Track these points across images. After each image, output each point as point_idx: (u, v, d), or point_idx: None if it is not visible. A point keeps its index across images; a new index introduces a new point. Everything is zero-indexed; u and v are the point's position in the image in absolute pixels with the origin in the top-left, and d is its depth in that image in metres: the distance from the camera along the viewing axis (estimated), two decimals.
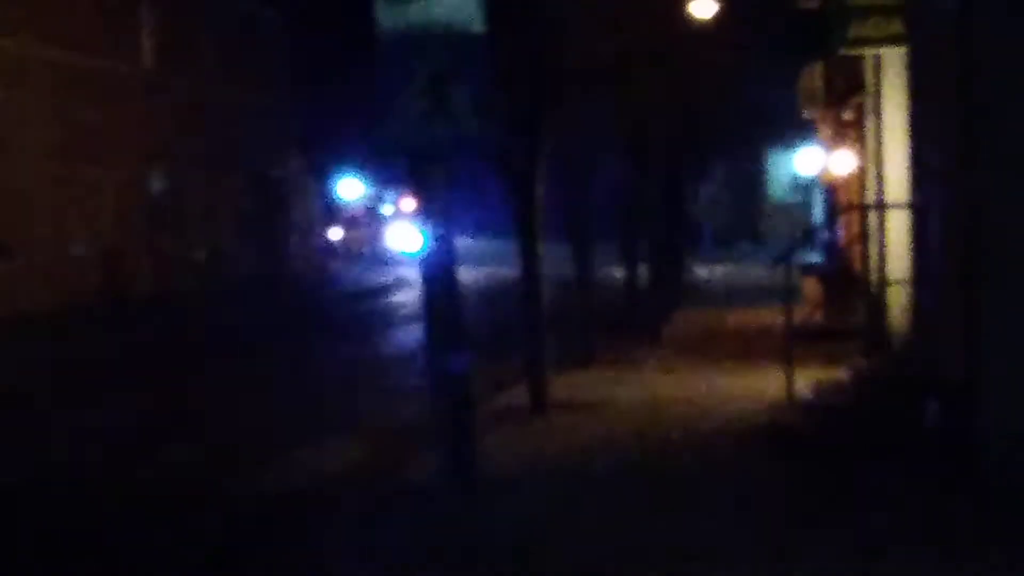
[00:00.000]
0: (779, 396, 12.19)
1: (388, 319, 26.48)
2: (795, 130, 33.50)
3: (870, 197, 17.08)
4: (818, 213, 38.60)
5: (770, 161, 52.61)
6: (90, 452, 12.24)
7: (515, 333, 13.36)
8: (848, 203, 21.86)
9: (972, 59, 8.54)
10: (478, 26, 8.79)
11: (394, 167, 44.09)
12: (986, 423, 8.52)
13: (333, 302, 31.97)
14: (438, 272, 8.90)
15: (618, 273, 20.37)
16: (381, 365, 18.67)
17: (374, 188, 58.14)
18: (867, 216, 16.85)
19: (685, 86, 17.51)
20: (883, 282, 15.18)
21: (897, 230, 14.43)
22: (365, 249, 52.41)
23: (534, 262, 12.57)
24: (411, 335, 21.56)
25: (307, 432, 12.57)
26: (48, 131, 29.13)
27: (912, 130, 12.03)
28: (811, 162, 32.97)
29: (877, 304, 15.42)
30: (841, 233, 23.05)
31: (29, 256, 27.92)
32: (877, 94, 15.80)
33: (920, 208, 11.56)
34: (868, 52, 15.37)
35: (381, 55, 8.84)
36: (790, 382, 12.16)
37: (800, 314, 14.66)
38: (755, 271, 30.41)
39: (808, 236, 27.51)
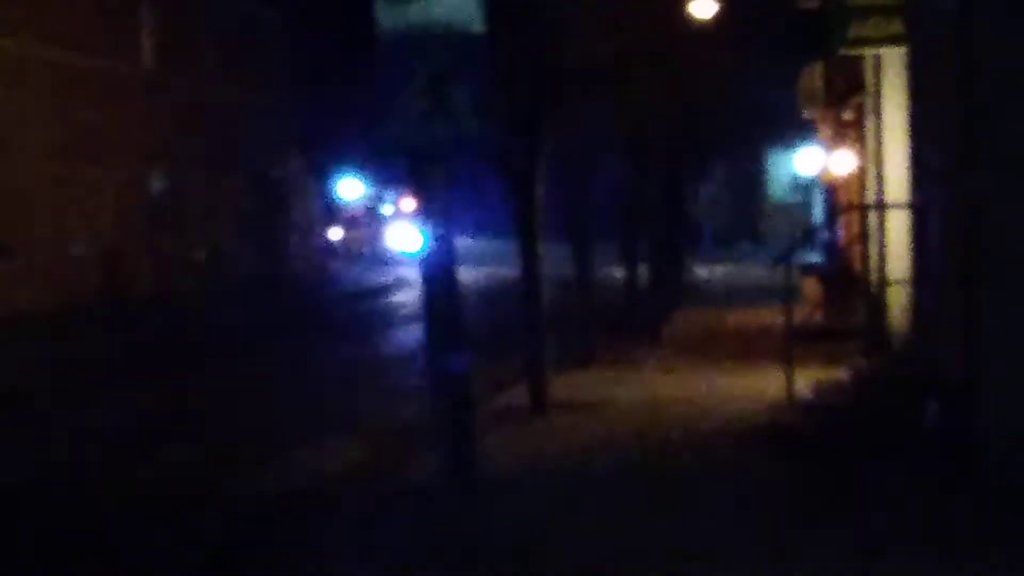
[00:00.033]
0: (779, 396, 12.18)
1: (388, 319, 26.48)
2: (795, 130, 33.49)
3: (870, 197, 17.08)
4: (818, 213, 38.60)
5: (770, 161, 52.61)
6: (89, 452, 12.23)
7: (515, 333, 13.36)
8: (848, 203, 21.86)
9: (972, 59, 8.54)
10: (478, 26, 8.80)
11: (394, 167, 44.10)
12: (986, 423, 8.51)
13: (333, 302, 31.97)
14: (438, 272, 8.90)
15: (618, 273, 20.36)
16: (381, 365, 18.66)
17: (374, 188, 58.13)
18: (867, 216, 16.85)
19: (685, 86, 17.51)
20: (883, 282, 15.17)
21: (897, 230, 14.42)
22: (365, 249, 52.41)
23: (534, 262, 12.57)
24: (411, 335, 21.56)
25: (307, 432, 12.56)
26: (48, 131, 29.14)
27: (912, 130, 12.02)
28: (811, 162, 32.97)
29: (877, 304, 15.42)
30: (841, 233, 23.05)
31: (29, 256, 27.91)
32: (877, 94, 15.80)
33: (920, 208, 11.56)
34: (868, 52, 15.37)
35: (381, 55, 8.84)
36: (790, 382, 12.16)
37: (800, 314, 14.65)
38: (755, 271, 30.40)
39: (808, 236, 27.51)
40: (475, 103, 8.70)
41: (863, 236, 17.30)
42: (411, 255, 35.27)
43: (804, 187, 44.70)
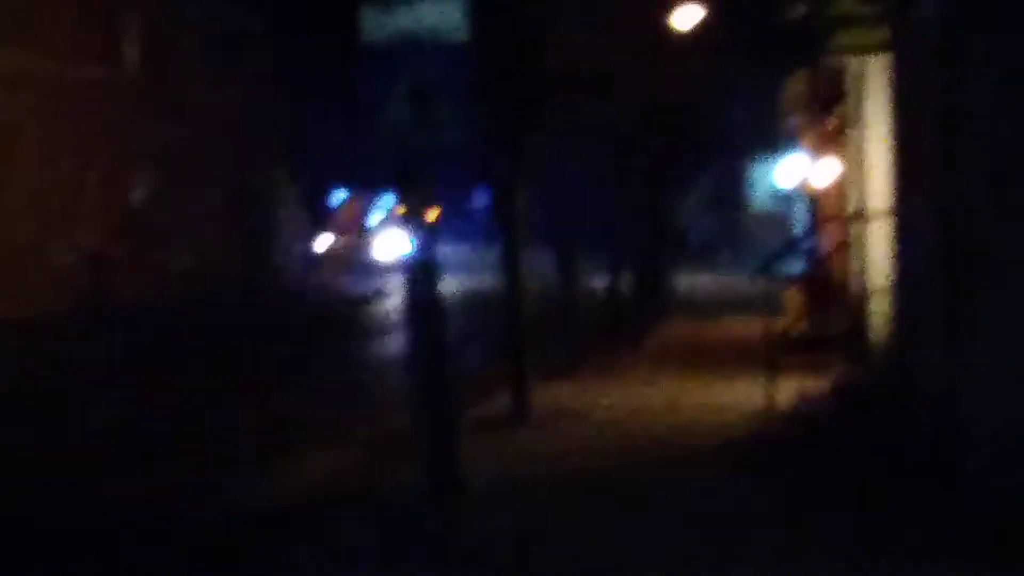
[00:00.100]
0: (761, 406, 12.18)
1: (372, 328, 26.43)
2: (778, 139, 33.55)
3: (852, 206, 17.11)
4: (801, 222, 38.62)
5: (753, 170, 52.70)
6: (63, 466, 12.01)
7: (498, 342, 13.34)
8: (830, 212, 21.88)
9: (954, 69, 8.57)
10: (462, 36, 8.81)
11: (381, 176, 44.04)
12: (968, 431, 8.53)
13: (317, 311, 31.90)
14: (421, 281, 8.89)
15: (602, 283, 20.37)
16: (364, 374, 18.62)
17: (362, 197, 58.02)
18: (850, 225, 16.87)
19: (668, 96, 17.55)
20: (865, 291, 15.20)
21: (879, 239, 14.45)
22: (354, 258, 52.30)
23: (516, 271, 12.57)
24: (392, 345, 21.50)
25: (286, 443, 12.50)
26: (30, 139, 29.03)
27: (894, 139, 12.06)
28: (793, 171, 33.00)
29: (859, 313, 15.44)
30: (823, 242, 23.08)
31: (9, 263, 27.79)
32: (860, 103, 15.83)
33: (902, 217, 11.58)
34: (851, 61, 15.41)
35: (366, 64, 8.86)
36: (772, 392, 12.16)
37: (782, 323, 14.67)
38: (737, 280, 30.44)
39: (791, 246, 27.54)
40: (458, 112, 8.73)
41: (845, 245, 17.32)
42: (397, 264, 35.23)
43: (787, 196, 44.76)
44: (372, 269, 47.25)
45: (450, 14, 8.91)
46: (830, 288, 18.67)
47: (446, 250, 9.91)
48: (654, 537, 7.99)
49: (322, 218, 53.21)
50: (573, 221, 16.46)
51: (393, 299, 31.09)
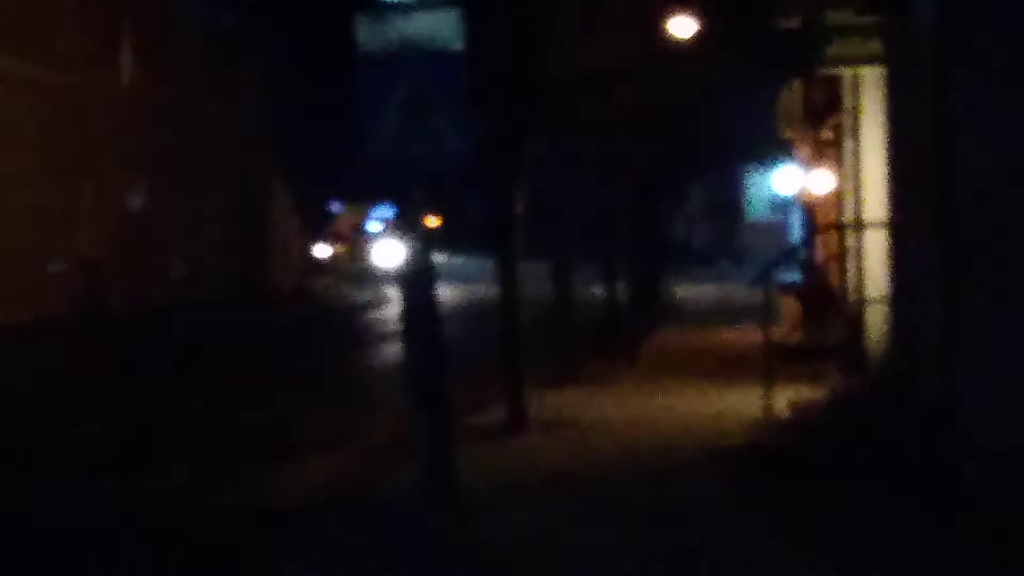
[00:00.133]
0: (757, 415, 12.16)
1: (368, 336, 26.41)
2: (774, 149, 33.59)
3: (848, 215, 17.12)
4: (797, 232, 38.68)
5: (749, 180, 52.76)
6: (61, 468, 12.04)
7: (495, 351, 13.34)
8: (826, 222, 21.91)
9: (948, 78, 8.58)
10: (457, 44, 8.81)
11: (377, 184, 44.06)
12: (964, 442, 8.51)
13: (312, 319, 31.88)
14: (417, 289, 8.88)
15: (598, 291, 20.37)
16: (359, 381, 18.61)
17: (360, 204, 58.01)
18: (845, 235, 16.89)
19: (663, 105, 17.56)
20: (861, 300, 15.20)
21: (875, 249, 14.46)
22: (352, 265, 52.28)
23: (512, 280, 12.57)
24: (390, 352, 21.50)
25: (283, 448, 12.51)
26: (27, 145, 29.03)
27: (890, 148, 12.06)
28: (790, 181, 33.05)
29: (855, 323, 15.45)
30: (820, 252, 23.10)
31: (4, 269, 27.77)
32: (855, 113, 15.85)
33: (898, 226, 11.59)
34: (846, 71, 15.43)
35: (361, 72, 8.86)
36: (768, 401, 12.14)
37: (779, 333, 14.66)
38: (734, 290, 30.45)
39: (787, 255, 27.58)
40: (454, 121, 8.73)
41: (841, 254, 17.33)
42: (394, 271, 35.21)
43: (783, 206, 44.84)
44: (371, 276, 47.24)
45: (446, 22, 8.91)
46: (827, 297, 18.69)
47: (444, 259, 9.92)
48: (650, 546, 7.96)
49: (320, 225, 53.17)
50: (569, 228, 16.46)
51: (391, 306, 31.11)
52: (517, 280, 12.56)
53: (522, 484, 9.97)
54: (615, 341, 19.05)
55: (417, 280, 8.84)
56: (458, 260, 43.91)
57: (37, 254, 29.29)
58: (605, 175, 19.37)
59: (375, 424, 13.66)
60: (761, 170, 46.41)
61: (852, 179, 16.48)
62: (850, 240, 16.47)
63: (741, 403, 13.39)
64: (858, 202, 15.66)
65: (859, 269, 15.40)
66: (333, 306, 34.83)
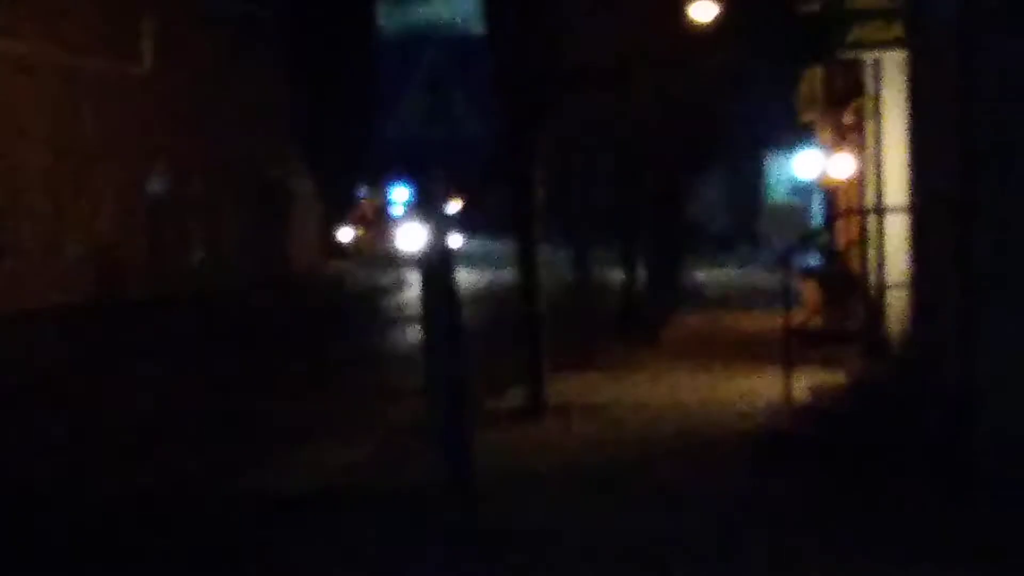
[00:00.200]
0: (777, 400, 12.14)
1: (389, 320, 26.41)
2: (795, 133, 33.47)
3: (869, 201, 17.05)
4: (818, 217, 38.55)
5: (769, 164, 52.57)
6: (83, 453, 12.09)
7: (514, 335, 13.33)
8: (847, 207, 21.84)
9: (971, 63, 8.52)
10: (477, 27, 8.78)
11: (397, 168, 44.00)
12: (984, 429, 8.47)
13: (335, 302, 31.90)
14: (437, 273, 8.86)
15: (618, 275, 20.34)
16: (379, 366, 18.61)
17: (383, 188, 57.83)
18: (866, 220, 16.82)
19: (683, 89, 17.51)
20: (882, 286, 15.14)
21: (896, 234, 14.40)
22: (377, 249, 52.20)
23: (532, 264, 12.55)
24: (410, 335, 21.50)
25: (301, 433, 12.50)
26: (47, 131, 29.11)
27: (911, 134, 12.00)
28: (810, 166, 32.94)
29: (876, 308, 15.39)
30: (840, 236, 23.03)
31: (24, 256, 27.85)
32: (876, 98, 15.77)
33: (919, 212, 11.53)
34: (868, 56, 15.33)
35: (381, 56, 8.84)
36: (788, 386, 12.10)
37: (799, 318, 14.63)
38: (754, 274, 30.39)
39: (808, 239, 27.51)
40: (474, 105, 8.69)
41: (862, 239, 17.27)
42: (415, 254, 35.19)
43: (803, 191, 44.70)
44: (395, 260, 47.17)
45: (466, 6, 8.87)
46: (847, 282, 18.63)
47: (464, 242, 9.90)
48: (670, 532, 7.95)
49: (345, 209, 53.10)
50: (589, 213, 16.44)
51: (411, 290, 31.12)
52: (537, 264, 12.55)
53: (539, 470, 9.95)
54: (635, 325, 19.02)
55: (436, 264, 8.83)
56: (479, 243, 43.91)
57: (55, 241, 29.35)
58: (625, 160, 19.32)
59: (395, 410, 13.64)
60: (782, 154, 46.25)
61: (873, 163, 16.41)
62: (871, 225, 16.41)
63: (760, 388, 13.36)
64: (879, 186, 15.59)
65: (880, 254, 15.33)
66: (351, 291, 34.80)
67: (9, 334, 22.80)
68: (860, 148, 18.89)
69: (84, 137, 30.32)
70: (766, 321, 18.70)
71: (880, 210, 15.32)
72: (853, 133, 20.29)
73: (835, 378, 12.51)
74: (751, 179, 53.78)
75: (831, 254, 21.60)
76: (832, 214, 27.99)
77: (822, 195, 33.03)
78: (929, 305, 10.88)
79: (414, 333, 20.84)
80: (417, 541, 7.96)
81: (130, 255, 31.81)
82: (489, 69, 9.10)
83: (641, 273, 20.09)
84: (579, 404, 13.02)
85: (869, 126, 16.83)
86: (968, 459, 8.54)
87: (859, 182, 19.24)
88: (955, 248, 8.96)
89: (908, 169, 12.34)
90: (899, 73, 13.93)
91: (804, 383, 12.29)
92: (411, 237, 48.36)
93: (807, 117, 25.06)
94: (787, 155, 42.84)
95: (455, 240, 9.09)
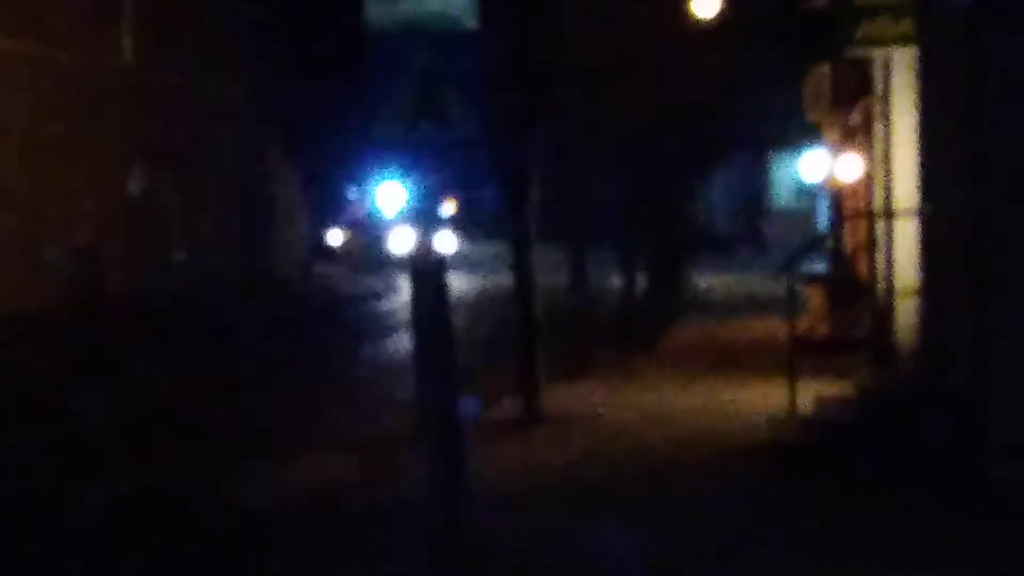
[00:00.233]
0: (781, 410, 11.85)
1: (374, 326, 26.12)
2: (800, 133, 33.18)
3: (878, 203, 16.75)
4: (824, 220, 38.29)
5: (774, 166, 52.34)
6: (62, 462, 11.79)
7: (509, 342, 13.07)
8: (855, 210, 21.53)
9: (981, 61, 8.29)
10: (471, 22, 8.49)
11: (387, 168, 43.61)
12: (994, 438, 8.31)
13: (317, 307, 31.63)
14: (427, 278, 8.56)
15: (616, 281, 20.05)
16: (366, 373, 18.31)
17: (375, 189, 57.52)
18: (874, 223, 16.52)
19: (685, 87, 17.20)
20: (890, 292, 14.84)
21: (905, 238, 14.11)
22: (368, 252, 51.92)
23: (528, 268, 12.29)
24: (399, 343, 21.13)
25: (290, 445, 12.25)
26: (23, 127, 28.68)
27: (921, 134, 11.75)
28: (816, 167, 32.62)
29: (884, 315, 15.09)
30: (847, 241, 22.73)
31: (1, 257, 27.41)
32: (886, 97, 15.47)
33: (929, 215, 11.26)
34: (876, 53, 15.04)
35: (371, 52, 8.55)
36: (793, 396, 11.80)
37: (804, 325, 14.40)
38: (757, 280, 30.13)
39: (814, 243, 27.23)
40: (467, 102, 8.44)
41: (870, 244, 16.96)
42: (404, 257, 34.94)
43: (809, 193, 44.43)
44: (386, 263, 46.91)
45: (459, 1, 8.56)
46: (854, 288, 18.33)
47: (456, 246, 9.66)
48: (670, 545, 7.81)
49: (334, 211, 52.85)
50: (586, 216, 16.12)
51: (399, 294, 30.82)
52: (532, 268, 12.27)
53: (534, 481, 9.85)
54: (634, 332, 18.70)
55: (426, 269, 8.54)
56: (475, 247, 43.64)
57: (32, 241, 28.89)
58: (624, 161, 19.01)
59: (383, 419, 13.35)
60: (787, 155, 45.97)
61: (882, 165, 16.11)
62: (879, 229, 16.11)
63: (764, 398, 13.12)
64: (888, 189, 15.30)
65: (888, 259, 15.05)
66: (336, 295, 34.51)
67: None
68: (868, 149, 18.57)
69: (62, 132, 29.82)
70: (771, 328, 18.40)
71: (889, 213, 15.04)
72: (861, 133, 19.97)
73: (841, 388, 12.22)
74: (755, 181, 53.57)
75: (838, 259, 21.29)
76: (839, 217, 27.68)
77: (829, 198, 32.72)
78: (939, 312, 10.63)
79: (404, 340, 20.50)
80: (410, 553, 7.78)
81: (108, 255, 31.28)
82: (483, 64, 8.79)
83: (641, 278, 19.78)
84: (576, 414, 12.85)
85: (878, 126, 16.51)
86: (977, 467, 8.35)
87: (867, 184, 18.91)
88: (966, 253, 8.75)
89: (918, 171, 12.08)
90: (908, 71, 13.65)
91: (809, 392, 11.99)
92: (402, 240, 47.99)
93: (813, 117, 24.74)
94: (792, 156, 42.60)
95: (450, 243, 8.76)
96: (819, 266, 21.42)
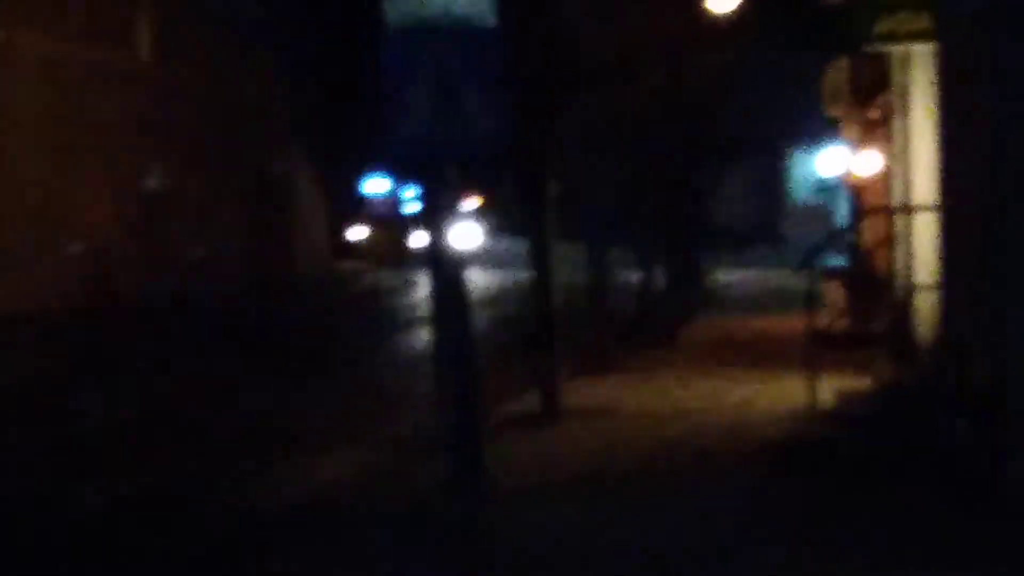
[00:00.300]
0: (801, 405, 11.86)
1: (393, 322, 26.13)
2: (818, 129, 33.10)
3: (896, 199, 16.71)
4: (842, 215, 38.16)
5: (792, 161, 52.20)
6: (81, 457, 11.86)
7: (528, 337, 13.07)
8: (873, 205, 21.47)
9: (1001, 56, 8.26)
10: (490, 20, 8.48)
11: (406, 165, 43.66)
12: (1015, 436, 8.23)
13: (336, 304, 31.65)
14: (446, 274, 8.57)
15: (635, 276, 20.05)
16: (384, 370, 18.33)
17: (396, 185, 57.42)
18: (894, 218, 16.48)
19: (702, 83, 17.20)
20: (910, 287, 14.82)
21: (925, 233, 14.08)
22: (391, 248, 51.84)
23: (546, 264, 12.30)
24: (418, 339, 21.17)
25: (308, 440, 12.27)
26: (40, 125, 28.73)
27: (940, 129, 11.71)
28: (835, 163, 32.54)
29: (903, 310, 15.06)
30: (866, 236, 22.67)
31: (17, 255, 27.46)
32: (904, 92, 15.43)
33: (948, 210, 11.23)
34: (895, 48, 15.00)
35: (388, 50, 8.54)
36: (812, 391, 11.82)
37: (824, 320, 14.37)
38: (776, 275, 30.05)
39: (833, 239, 27.17)
40: (486, 101, 8.40)
41: (889, 239, 16.92)
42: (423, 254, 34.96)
43: (828, 188, 44.30)
44: (409, 260, 46.86)
45: None
46: (874, 283, 18.28)
47: (484, 242, 9.64)
48: (688, 540, 7.77)
49: (356, 207, 52.80)
50: (605, 211, 16.13)
51: (419, 290, 30.84)
52: (551, 265, 12.30)
53: (551, 479, 9.82)
54: (652, 327, 18.70)
55: (446, 264, 8.54)
56: (498, 243, 43.62)
57: (49, 238, 28.91)
58: (642, 157, 19.00)
59: (405, 415, 13.38)
60: (805, 151, 45.85)
61: (901, 160, 16.07)
62: (899, 224, 16.08)
63: (783, 393, 13.10)
64: (907, 184, 15.27)
65: (908, 254, 15.01)
66: (355, 292, 34.50)
67: None
68: (887, 144, 18.52)
69: (80, 131, 29.87)
70: (790, 323, 18.37)
71: (907, 208, 15.01)
72: (880, 129, 19.92)
73: (861, 382, 12.19)
74: (773, 176, 53.42)
75: (856, 254, 21.24)
76: (858, 213, 27.62)
77: (847, 193, 32.62)
78: (958, 307, 10.60)
79: (424, 336, 20.54)
80: (429, 549, 7.74)
81: (126, 254, 31.34)
82: (502, 63, 8.78)
83: (659, 273, 19.78)
84: (595, 409, 12.81)
85: (897, 121, 16.47)
86: (998, 466, 8.27)
87: (886, 179, 18.87)
88: (983, 248, 8.71)
89: (937, 166, 12.05)
90: (928, 66, 13.61)
91: (829, 387, 11.98)
92: (424, 236, 47.83)
93: (832, 112, 24.68)
94: (811, 151, 42.48)
95: (474, 239, 8.76)
96: (838, 261, 21.36)
